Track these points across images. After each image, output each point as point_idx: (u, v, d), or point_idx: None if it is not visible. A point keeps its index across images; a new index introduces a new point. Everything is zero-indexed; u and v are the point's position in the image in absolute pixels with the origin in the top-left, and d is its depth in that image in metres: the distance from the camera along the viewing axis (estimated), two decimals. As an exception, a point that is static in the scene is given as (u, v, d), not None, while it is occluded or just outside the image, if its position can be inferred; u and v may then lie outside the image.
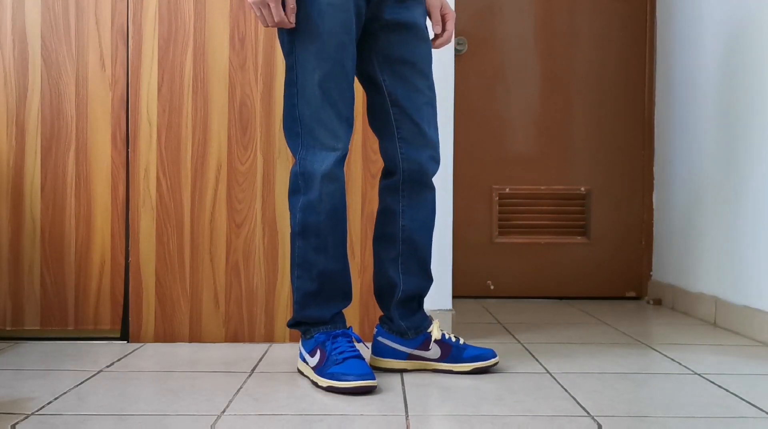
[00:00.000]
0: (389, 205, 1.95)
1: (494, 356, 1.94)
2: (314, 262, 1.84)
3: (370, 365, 1.93)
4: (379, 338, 1.98)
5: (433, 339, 1.94)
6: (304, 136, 1.82)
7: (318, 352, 1.83)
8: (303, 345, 1.90)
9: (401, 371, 1.95)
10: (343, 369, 1.75)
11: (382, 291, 1.98)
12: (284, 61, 1.90)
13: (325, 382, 1.76)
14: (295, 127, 1.83)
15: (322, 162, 1.80)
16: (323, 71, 1.78)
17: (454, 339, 1.96)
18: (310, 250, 1.83)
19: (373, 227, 2.04)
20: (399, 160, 1.91)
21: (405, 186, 1.92)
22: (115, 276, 2.30)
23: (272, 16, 1.74)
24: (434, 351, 1.94)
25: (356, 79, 1.96)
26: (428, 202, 1.95)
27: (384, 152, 1.94)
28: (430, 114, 1.92)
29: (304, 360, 1.89)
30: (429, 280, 1.99)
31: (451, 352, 1.94)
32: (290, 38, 1.81)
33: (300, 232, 1.84)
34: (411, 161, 1.90)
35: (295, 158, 1.85)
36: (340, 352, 1.80)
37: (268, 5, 1.73)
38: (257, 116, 2.29)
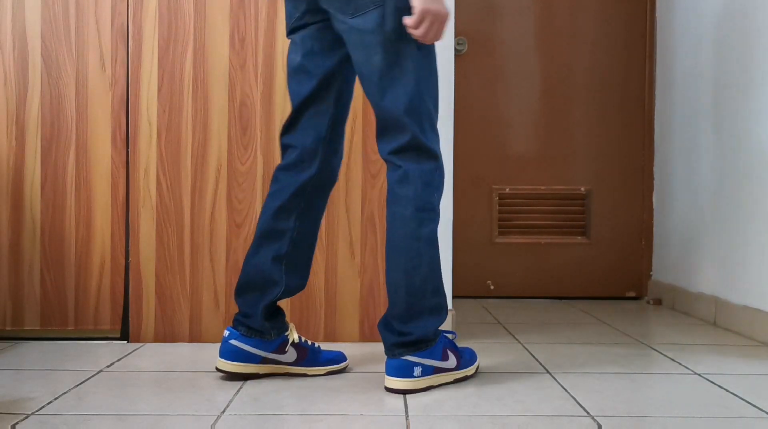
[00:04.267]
0: (288, 202, 1.86)
1: (345, 360, 1.95)
2: (438, 262, 1.83)
3: (217, 369, 1.85)
4: (233, 341, 1.84)
5: (290, 342, 1.89)
6: (436, 131, 1.79)
7: (448, 353, 1.82)
8: (426, 355, 1.78)
9: (252, 376, 1.86)
10: (469, 353, 1.91)
11: (253, 286, 1.86)
12: (404, 57, 1.72)
13: (472, 369, 1.89)
14: (431, 120, 1.77)
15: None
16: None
17: (309, 342, 1.93)
18: (437, 253, 1.81)
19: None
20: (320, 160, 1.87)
21: (316, 185, 1.87)
22: (115, 276, 2.30)
23: (442, 32, 1.71)
24: (290, 354, 1.89)
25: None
26: (324, 207, 1.93)
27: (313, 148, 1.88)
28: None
29: (429, 372, 1.78)
30: (307, 277, 1.93)
31: (308, 355, 1.91)
32: (421, 47, 1.75)
33: (435, 234, 1.80)
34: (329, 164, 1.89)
35: (435, 153, 1.78)
36: (453, 342, 1.88)
37: (446, 21, 1.69)
38: (257, 116, 2.29)
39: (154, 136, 2.29)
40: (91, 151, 2.30)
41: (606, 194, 3.43)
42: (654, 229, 3.41)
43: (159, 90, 2.29)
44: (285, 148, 1.88)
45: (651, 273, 3.41)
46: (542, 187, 3.43)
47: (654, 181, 3.41)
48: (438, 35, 1.69)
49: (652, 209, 3.42)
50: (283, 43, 2.29)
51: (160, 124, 2.29)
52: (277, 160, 2.29)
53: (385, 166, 2.29)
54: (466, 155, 3.39)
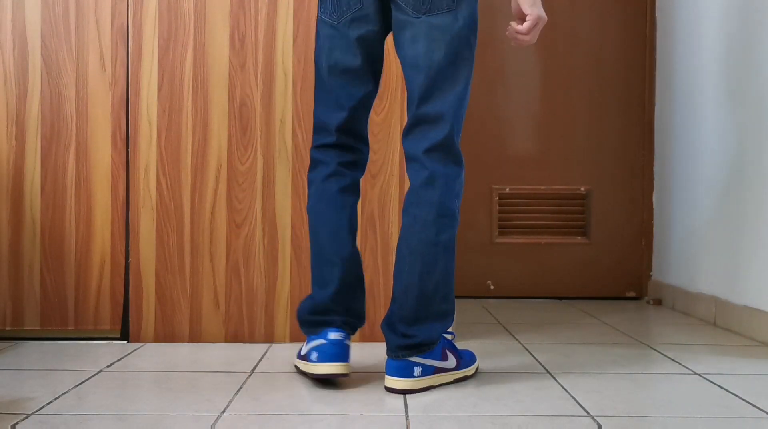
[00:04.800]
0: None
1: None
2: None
3: (320, 376, 1.77)
4: (349, 342, 1.82)
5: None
6: (460, 137, 1.85)
7: (447, 353, 1.82)
8: (427, 356, 1.76)
9: (342, 376, 1.78)
10: (468, 354, 1.92)
11: (355, 285, 1.86)
12: (459, 75, 1.79)
13: (471, 369, 1.89)
14: (461, 126, 1.83)
15: None
16: None
17: None
18: (452, 260, 1.81)
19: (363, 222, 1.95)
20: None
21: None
22: (115, 276, 2.30)
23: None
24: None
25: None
26: None
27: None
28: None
29: (429, 371, 1.76)
30: None
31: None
32: (473, 56, 1.83)
33: (454, 241, 1.79)
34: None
35: (461, 158, 1.84)
36: (452, 342, 1.90)
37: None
38: (257, 116, 2.29)
39: (154, 136, 2.29)
40: (91, 151, 2.30)
41: (606, 194, 3.43)
42: (654, 229, 3.41)
43: (159, 90, 2.29)
44: (347, 148, 1.88)
45: (651, 273, 3.41)
46: (542, 187, 3.43)
47: (654, 181, 3.41)
48: (536, 39, 1.82)
49: (652, 209, 3.42)
50: (283, 43, 2.29)
51: (160, 124, 2.29)
52: (277, 159, 2.29)
53: (385, 166, 2.29)
54: (465, 155, 3.35)
